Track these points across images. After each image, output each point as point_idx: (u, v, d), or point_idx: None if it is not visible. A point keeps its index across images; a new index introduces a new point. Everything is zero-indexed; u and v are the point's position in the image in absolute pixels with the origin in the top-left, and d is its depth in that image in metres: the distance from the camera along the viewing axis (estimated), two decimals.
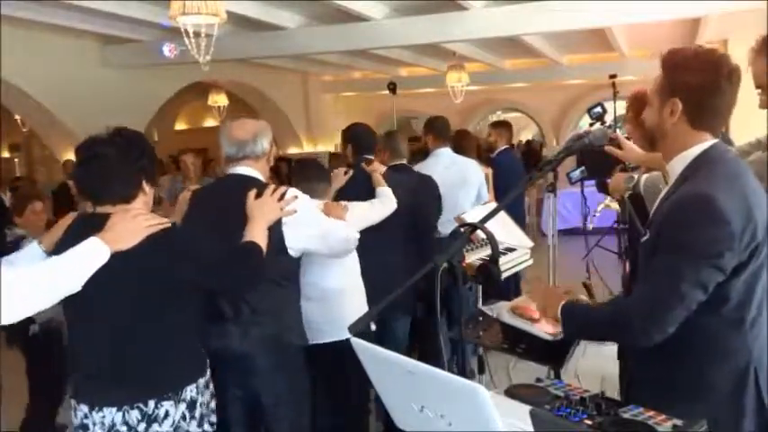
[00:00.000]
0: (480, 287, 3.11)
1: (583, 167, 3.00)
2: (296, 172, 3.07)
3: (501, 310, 2.00)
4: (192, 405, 1.97)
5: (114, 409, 1.88)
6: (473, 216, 3.24)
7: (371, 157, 3.49)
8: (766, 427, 1.59)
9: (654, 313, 1.52)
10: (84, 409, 1.91)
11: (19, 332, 3.26)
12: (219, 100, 10.59)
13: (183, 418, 1.95)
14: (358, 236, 2.65)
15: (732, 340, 1.58)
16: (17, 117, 10.67)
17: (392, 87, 9.13)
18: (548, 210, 5.48)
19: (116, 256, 1.84)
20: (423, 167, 4.10)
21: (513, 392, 1.63)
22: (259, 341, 2.30)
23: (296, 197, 2.31)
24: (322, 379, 2.85)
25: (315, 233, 2.40)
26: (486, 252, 2.87)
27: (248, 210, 2.19)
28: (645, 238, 1.69)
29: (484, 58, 10.02)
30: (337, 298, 2.85)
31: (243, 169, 2.39)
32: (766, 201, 1.61)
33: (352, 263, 2.95)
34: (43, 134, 8.27)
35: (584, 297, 1.97)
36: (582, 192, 5.47)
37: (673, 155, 1.66)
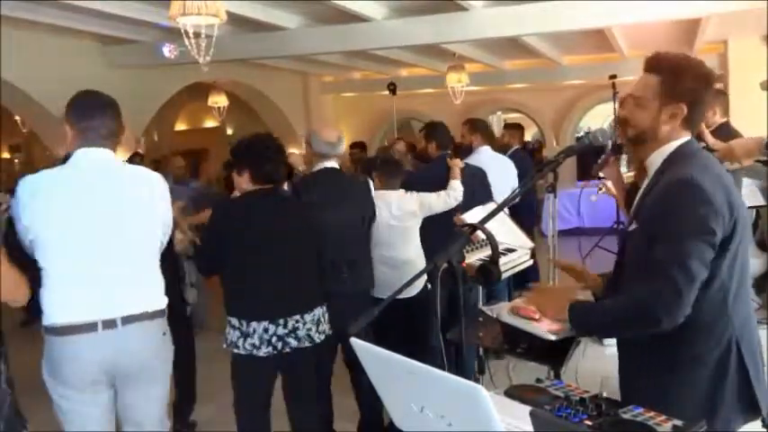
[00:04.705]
0: (481, 288, 3.13)
1: None
2: (382, 167, 3.91)
3: (501, 310, 2.00)
4: (324, 314, 3.06)
5: (298, 316, 2.90)
6: (473, 216, 3.26)
7: (449, 152, 4.31)
8: (747, 393, 1.70)
9: (674, 297, 1.61)
10: (265, 323, 2.85)
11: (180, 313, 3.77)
12: (219, 100, 10.53)
13: (325, 320, 3.05)
14: (419, 214, 3.72)
15: (717, 316, 1.69)
16: (17, 117, 10.65)
17: (392, 88, 9.12)
18: (547, 210, 5.48)
19: (289, 220, 2.96)
20: (468, 162, 4.62)
21: (513, 392, 1.63)
22: (346, 287, 3.30)
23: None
24: (396, 326, 3.63)
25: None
26: (486, 252, 2.88)
27: None
28: (632, 227, 1.80)
29: (484, 59, 9.99)
30: (404, 265, 3.73)
31: (332, 163, 3.38)
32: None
33: (415, 241, 3.84)
34: (43, 134, 8.24)
35: (581, 297, 1.97)
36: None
37: (653, 151, 1.79)
